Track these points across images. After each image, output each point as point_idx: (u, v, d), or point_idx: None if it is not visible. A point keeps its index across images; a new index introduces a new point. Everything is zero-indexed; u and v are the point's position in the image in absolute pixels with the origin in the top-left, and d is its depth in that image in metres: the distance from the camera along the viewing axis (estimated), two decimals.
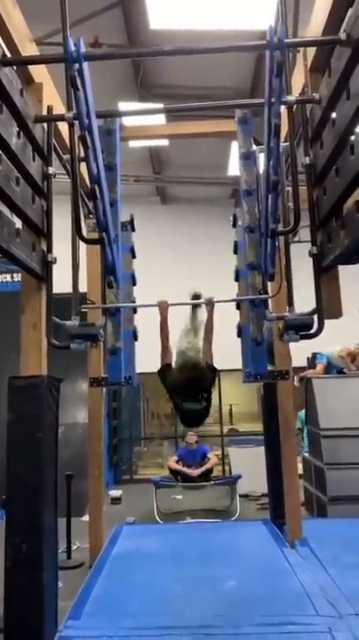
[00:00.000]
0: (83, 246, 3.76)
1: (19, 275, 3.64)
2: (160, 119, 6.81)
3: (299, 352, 7.01)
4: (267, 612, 3.57)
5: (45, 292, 3.45)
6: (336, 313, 3.33)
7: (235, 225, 4.60)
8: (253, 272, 4.15)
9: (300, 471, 6.82)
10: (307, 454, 7.54)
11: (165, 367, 3.95)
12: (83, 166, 3.31)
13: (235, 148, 6.55)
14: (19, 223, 3.16)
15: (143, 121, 6.20)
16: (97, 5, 5.61)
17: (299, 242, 4.67)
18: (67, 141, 3.44)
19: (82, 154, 3.09)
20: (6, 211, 2.88)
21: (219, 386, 11.54)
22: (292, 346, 4.35)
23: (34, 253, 3.27)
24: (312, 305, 3.36)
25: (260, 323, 4.13)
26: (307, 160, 3.29)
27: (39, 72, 3.60)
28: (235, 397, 13.82)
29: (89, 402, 5.45)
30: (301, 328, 3.45)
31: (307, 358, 9.52)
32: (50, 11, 3.49)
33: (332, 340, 7.38)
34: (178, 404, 3.80)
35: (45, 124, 3.51)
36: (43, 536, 3.16)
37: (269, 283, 4.08)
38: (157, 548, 5.23)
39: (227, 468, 10.10)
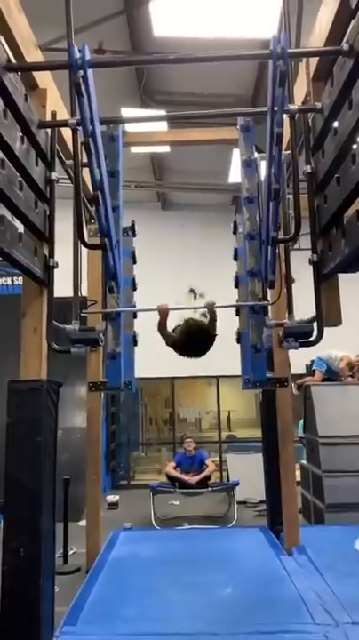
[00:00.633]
0: (84, 250, 3.78)
1: (20, 278, 3.65)
2: (162, 126, 6.85)
3: (298, 359, 7.05)
4: (264, 620, 3.56)
5: (46, 297, 3.46)
6: (335, 321, 3.34)
7: (235, 231, 4.61)
8: (253, 279, 4.16)
9: (298, 478, 6.82)
10: (304, 462, 7.54)
11: (170, 339, 3.98)
12: (85, 171, 3.34)
13: (236, 155, 6.58)
14: (21, 227, 3.18)
15: (145, 127, 6.23)
16: (102, 12, 5.65)
17: (299, 249, 4.70)
18: (71, 147, 3.46)
19: (84, 159, 3.11)
20: (9, 215, 2.90)
21: (218, 392, 11.57)
22: (291, 353, 4.36)
23: (36, 258, 3.28)
24: (311, 312, 3.38)
25: (260, 329, 4.14)
26: (309, 168, 3.31)
27: (43, 78, 3.62)
28: (233, 404, 13.83)
29: (87, 406, 5.45)
30: (301, 336, 3.46)
31: (306, 365, 9.53)
32: (55, 16, 3.53)
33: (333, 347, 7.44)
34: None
35: (49, 130, 3.53)
36: (41, 541, 3.15)
37: (269, 290, 4.09)
38: (154, 554, 5.22)
39: (224, 474, 10.09)
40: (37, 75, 3.52)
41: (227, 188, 10.00)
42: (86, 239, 3.68)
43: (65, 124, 3.38)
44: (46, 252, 3.49)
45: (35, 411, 3.23)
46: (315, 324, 3.41)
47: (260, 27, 5.44)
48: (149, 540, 5.88)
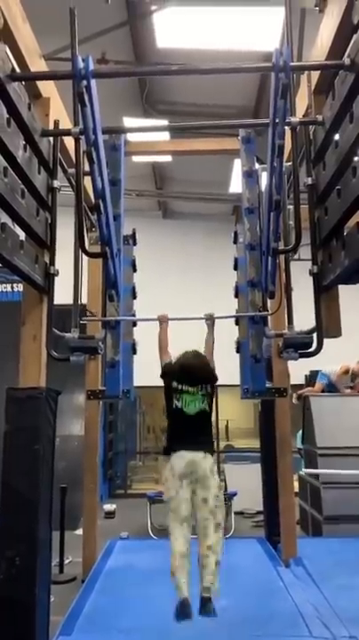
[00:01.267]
0: (84, 258, 3.79)
1: (20, 285, 3.65)
2: (164, 135, 6.89)
3: (298, 370, 7.05)
4: (260, 632, 3.53)
5: (46, 304, 3.46)
6: (335, 332, 3.35)
7: (236, 241, 4.63)
8: (253, 289, 4.18)
9: (296, 489, 6.79)
10: (303, 472, 7.51)
11: (167, 364, 3.62)
12: (87, 180, 3.36)
13: (237, 166, 6.61)
14: (22, 235, 3.19)
15: (147, 137, 6.27)
16: (105, 23, 5.70)
17: (299, 260, 4.71)
18: (73, 155, 3.48)
19: (86, 168, 3.13)
20: (10, 222, 2.91)
21: (217, 401, 11.53)
22: (290, 363, 4.37)
23: (36, 265, 3.29)
24: (309, 322, 3.38)
25: (260, 339, 4.15)
26: (310, 180, 3.33)
27: (47, 87, 3.65)
28: (231, 413, 13.79)
29: (85, 415, 5.44)
30: (300, 346, 3.46)
31: (306, 376, 9.54)
32: (59, 26, 3.55)
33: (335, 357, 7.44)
34: (177, 406, 3.38)
35: (51, 138, 3.55)
36: (37, 550, 3.13)
37: (269, 300, 4.10)
38: (150, 564, 5.18)
39: (222, 484, 10.04)
40: (41, 84, 3.55)
41: (228, 198, 10.03)
42: (87, 247, 3.69)
43: (68, 132, 3.40)
44: (47, 259, 3.50)
45: (34, 419, 3.23)
46: (314, 335, 3.42)
47: (263, 39, 5.49)
48: (146, 550, 5.84)
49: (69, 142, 3.62)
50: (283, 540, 5.12)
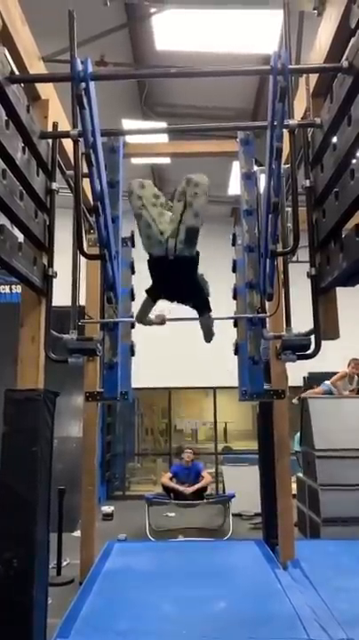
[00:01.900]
0: (82, 260, 3.79)
1: (18, 286, 3.65)
2: (163, 137, 6.89)
3: (296, 372, 7.05)
4: (258, 635, 3.54)
5: (45, 306, 3.46)
6: (333, 334, 3.35)
7: (234, 243, 4.64)
8: (251, 291, 4.19)
9: (294, 491, 6.79)
10: (301, 475, 7.51)
11: None
12: (85, 182, 3.36)
13: (235, 168, 6.62)
14: (21, 237, 3.19)
15: (146, 139, 6.27)
16: (104, 26, 5.71)
17: (298, 262, 4.72)
18: (72, 158, 3.48)
19: (85, 170, 3.13)
20: (9, 224, 2.91)
21: (215, 403, 11.55)
22: (289, 365, 4.37)
23: (35, 267, 3.29)
24: (306, 324, 3.38)
25: (258, 341, 4.16)
26: (308, 183, 3.33)
27: (46, 89, 3.65)
28: (230, 415, 13.78)
29: (84, 416, 5.43)
30: (299, 348, 3.47)
31: (304, 378, 9.56)
32: (58, 29, 3.56)
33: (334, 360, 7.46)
34: None
35: (50, 140, 3.56)
36: (35, 552, 3.13)
37: (267, 302, 4.11)
38: (148, 567, 5.19)
39: (220, 486, 10.04)
40: (40, 86, 3.55)
41: (226, 200, 10.04)
42: (85, 249, 3.69)
43: (66, 135, 3.41)
44: (45, 261, 3.50)
45: (32, 420, 3.23)
46: (312, 337, 3.42)
47: (261, 42, 5.50)
48: (144, 552, 5.85)
49: (68, 144, 3.62)
50: (280, 542, 5.12)
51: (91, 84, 2.78)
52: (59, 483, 5.72)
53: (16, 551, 3.08)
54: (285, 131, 3.16)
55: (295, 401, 7.81)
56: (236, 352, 4.48)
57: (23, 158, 3.00)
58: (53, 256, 3.51)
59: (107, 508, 8.45)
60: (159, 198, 3.38)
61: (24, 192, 3.04)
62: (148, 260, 3.38)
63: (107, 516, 8.29)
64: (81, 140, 3.11)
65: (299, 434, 8.09)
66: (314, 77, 3.43)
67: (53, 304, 3.49)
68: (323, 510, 6.25)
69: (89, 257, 3.65)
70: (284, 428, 5.15)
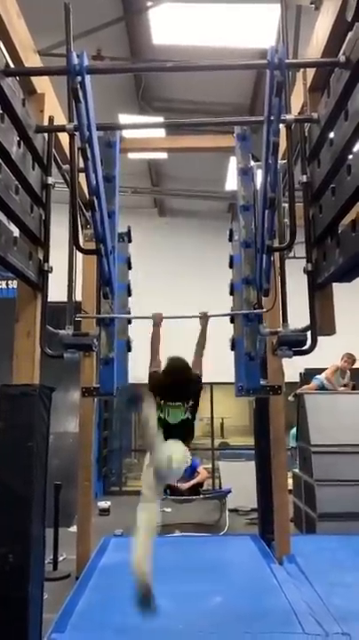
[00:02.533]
0: (79, 255, 3.78)
1: (15, 281, 3.64)
2: (160, 132, 6.87)
3: (293, 368, 7.06)
4: (254, 629, 3.54)
5: (40, 301, 3.45)
6: (329, 330, 3.35)
7: (231, 239, 4.63)
8: (248, 286, 4.18)
9: (290, 487, 6.81)
10: (297, 470, 7.53)
11: (153, 373, 3.72)
12: (82, 176, 3.35)
13: (233, 163, 6.60)
14: (16, 232, 3.17)
15: (143, 134, 6.25)
16: (101, 19, 5.67)
17: (294, 257, 4.71)
18: (67, 152, 3.46)
19: (81, 164, 3.12)
20: (4, 219, 2.90)
21: (212, 399, 11.56)
22: (285, 361, 4.37)
23: (30, 262, 3.28)
24: (302, 320, 3.38)
25: (254, 337, 4.15)
26: (305, 178, 3.33)
27: (41, 83, 3.63)
28: (226, 411, 13.80)
29: (80, 412, 5.43)
30: (295, 344, 3.46)
31: (300, 374, 9.57)
32: (54, 22, 3.53)
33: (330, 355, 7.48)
34: (161, 417, 3.47)
35: (46, 135, 3.54)
36: (31, 547, 3.13)
37: (264, 297, 4.10)
38: None
39: (217, 481, 10.06)
40: (35, 80, 3.53)
41: (224, 196, 10.02)
42: (81, 244, 3.68)
43: (62, 129, 3.39)
44: (41, 256, 3.49)
45: (28, 416, 3.22)
46: (309, 333, 3.42)
47: (259, 37, 5.47)
48: None
49: (64, 139, 3.60)
50: (276, 537, 5.14)
51: (87, 78, 2.76)
52: (55, 478, 5.73)
53: (11, 547, 3.08)
54: (282, 126, 3.15)
55: (291, 398, 7.83)
56: (233, 348, 4.48)
57: (19, 152, 2.99)
58: (49, 251, 3.50)
59: (103, 504, 8.46)
60: None
61: (19, 186, 3.02)
62: None
63: (104, 512, 8.31)
64: (77, 134, 3.09)
65: (294, 429, 8.12)
66: (311, 72, 3.42)
67: (49, 299, 3.48)
68: (319, 506, 6.27)
69: (85, 252, 3.63)
70: (281, 424, 5.16)
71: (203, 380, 3.74)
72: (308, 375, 8.92)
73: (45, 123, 3.54)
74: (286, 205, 3.51)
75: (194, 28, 5.57)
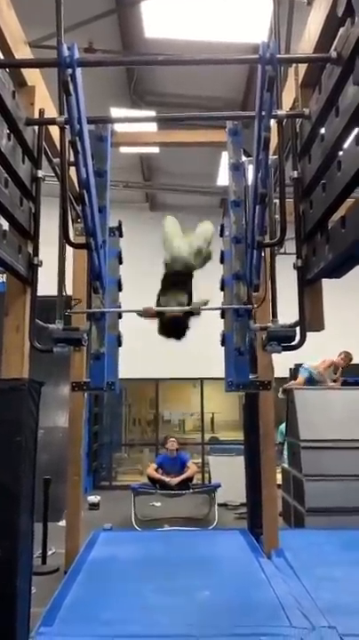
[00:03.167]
0: (69, 249, 3.75)
1: (4, 276, 3.62)
2: (151, 126, 6.84)
3: (282, 363, 7.08)
4: (241, 623, 3.57)
5: (30, 295, 3.43)
6: (318, 326, 3.36)
7: (222, 234, 4.63)
8: (238, 282, 4.18)
9: (279, 482, 6.85)
10: (286, 465, 7.58)
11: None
12: (72, 170, 3.32)
13: (225, 158, 6.60)
14: (5, 225, 3.15)
15: (134, 127, 6.22)
16: (93, 12, 5.63)
17: (285, 254, 4.71)
18: (58, 145, 3.44)
19: (72, 158, 3.10)
20: None
21: (202, 394, 11.59)
22: (275, 356, 4.38)
23: (20, 256, 3.25)
24: (292, 316, 3.39)
25: (244, 332, 4.16)
26: (295, 174, 3.32)
27: (32, 75, 3.59)
28: (216, 406, 13.85)
29: (70, 406, 5.42)
30: (284, 340, 3.47)
31: (290, 369, 9.60)
32: (45, 14, 3.50)
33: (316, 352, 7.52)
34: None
35: (36, 127, 3.51)
36: (19, 541, 3.12)
37: (254, 293, 4.11)
38: (134, 556, 5.21)
39: (206, 476, 10.10)
40: (26, 72, 3.50)
41: (215, 191, 10.02)
42: (72, 238, 3.66)
43: (52, 121, 3.36)
44: (31, 250, 3.46)
45: (16, 410, 3.20)
46: (298, 329, 3.43)
47: (252, 31, 5.47)
48: (129, 542, 5.87)
49: (55, 132, 3.58)
50: (265, 531, 5.17)
51: (78, 71, 2.74)
52: (45, 473, 5.73)
53: None
54: (273, 121, 3.14)
55: (281, 395, 7.86)
56: (223, 343, 4.49)
57: (8, 145, 2.96)
58: (38, 245, 3.47)
59: (93, 498, 8.47)
60: None
61: (9, 179, 3.00)
62: None
63: (94, 506, 8.32)
64: (67, 127, 3.07)
65: (283, 425, 8.16)
66: (303, 68, 3.41)
67: (39, 294, 3.46)
68: (308, 500, 6.32)
69: (75, 246, 3.61)
70: (270, 420, 5.19)
71: None
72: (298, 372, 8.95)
73: (36, 115, 3.51)
74: (277, 201, 3.51)
75: (186, 21, 5.56)
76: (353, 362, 8.38)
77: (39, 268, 3.48)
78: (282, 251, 4.75)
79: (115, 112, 7.00)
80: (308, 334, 3.32)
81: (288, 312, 3.55)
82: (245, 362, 4.24)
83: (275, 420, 5.41)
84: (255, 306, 4.09)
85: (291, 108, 3.46)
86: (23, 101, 3.37)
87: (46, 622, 3.58)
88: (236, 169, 4.36)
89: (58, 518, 6.47)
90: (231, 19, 5.50)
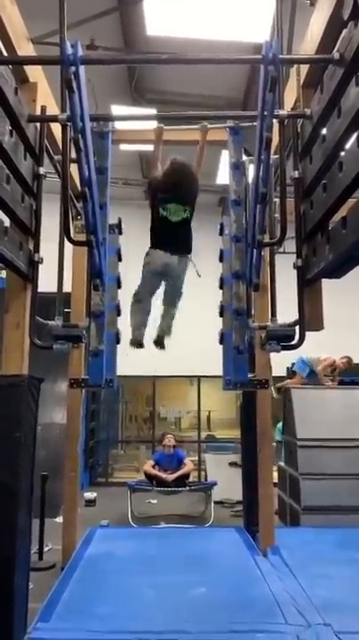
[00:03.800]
0: (69, 246, 3.76)
1: (4, 272, 3.62)
2: (152, 124, 6.82)
3: (280, 362, 7.10)
4: (237, 620, 3.58)
5: (30, 292, 3.44)
6: (317, 325, 3.38)
7: (221, 233, 4.63)
8: (238, 281, 4.19)
9: (275, 480, 6.88)
10: (282, 464, 7.60)
11: (153, 178, 4.22)
12: (73, 167, 3.33)
13: (224, 157, 6.60)
14: (7, 221, 3.16)
15: (135, 125, 6.21)
16: (95, 9, 5.63)
17: (284, 253, 4.72)
18: (60, 142, 3.45)
19: (73, 155, 3.10)
20: None
21: (199, 392, 11.61)
22: (273, 355, 4.40)
23: (21, 252, 3.26)
24: (291, 315, 3.41)
25: (243, 331, 4.17)
26: (296, 174, 3.33)
27: (34, 71, 3.60)
28: (213, 404, 13.87)
29: (68, 403, 5.43)
30: (283, 339, 3.49)
31: (287, 368, 9.62)
32: (49, 10, 3.50)
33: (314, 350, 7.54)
34: (163, 215, 3.95)
35: (38, 124, 3.51)
36: (16, 537, 3.13)
37: (254, 292, 4.12)
38: (130, 553, 5.22)
39: (203, 474, 10.12)
40: (28, 69, 3.50)
41: (215, 190, 10.01)
42: (72, 235, 3.67)
43: (55, 119, 3.37)
44: (31, 247, 3.47)
45: (16, 406, 3.21)
46: (297, 328, 3.44)
47: (253, 31, 5.47)
48: (126, 538, 5.88)
49: (56, 129, 3.58)
50: (261, 529, 5.19)
51: (81, 68, 2.75)
52: (42, 469, 5.73)
53: None
54: (275, 121, 3.15)
55: (275, 395, 7.88)
56: (221, 341, 4.50)
57: (10, 141, 2.96)
58: (39, 242, 3.48)
59: (89, 495, 8.49)
60: None
61: (11, 176, 3.00)
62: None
63: (90, 502, 8.34)
64: (69, 124, 3.08)
65: (280, 423, 8.18)
66: (304, 68, 3.42)
67: (40, 290, 3.47)
68: (304, 499, 6.34)
69: (75, 243, 3.62)
70: (267, 418, 5.20)
71: None
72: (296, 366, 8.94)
73: (38, 112, 3.51)
74: (277, 200, 3.52)
75: (188, 20, 5.55)
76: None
77: (39, 265, 3.49)
78: (281, 250, 4.77)
79: (116, 109, 7.00)
80: (307, 333, 3.34)
81: (287, 311, 3.56)
82: (244, 360, 4.25)
83: (272, 419, 5.43)
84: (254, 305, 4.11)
85: (292, 108, 3.48)
86: (25, 98, 3.38)
87: (43, 618, 3.59)
88: (237, 168, 4.36)
89: (55, 514, 6.48)
90: (232, 17, 5.49)
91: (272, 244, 3.59)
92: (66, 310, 3.90)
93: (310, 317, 3.32)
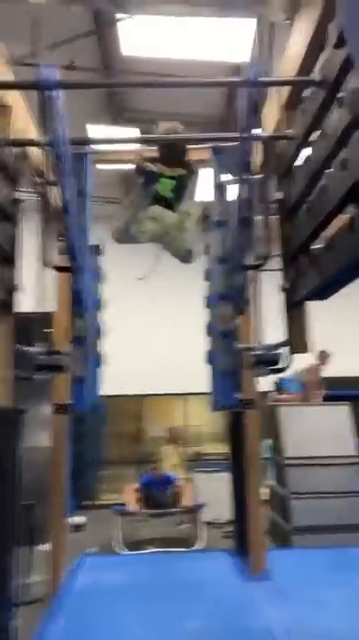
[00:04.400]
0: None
1: None
2: (132, 145, 6.79)
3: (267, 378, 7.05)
4: None
5: (8, 323, 3.31)
6: (302, 348, 3.31)
7: (206, 253, 4.58)
8: (223, 302, 4.13)
9: (266, 497, 6.79)
10: (272, 482, 7.52)
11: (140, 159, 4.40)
12: (53, 189, 3.26)
13: (204, 175, 6.59)
14: None
15: (114, 145, 6.17)
16: (74, 31, 5.60)
17: (271, 270, 4.68)
18: (38, 166, 3.37)
19: (52, 178, 3.04)
20: None
21: (185, 411, 11.52)
22: None
23: None
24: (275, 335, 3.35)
25: (229, 353, 4.10)
26: (279, 195, 3.29)
27: (11, 95, 3.52)
28: (201, 418, 13.77)
29: (53, 429, 5.30)
30: (269, 363, 3.43)
31: (275, 383, 9.59)
32: (28, 32, 3.46)
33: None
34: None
35: (15, 148, 3.43)
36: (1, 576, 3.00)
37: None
38: (119, 582, 5.09)
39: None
40: (4, 92, 3.42)
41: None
42: (53, 260, 3.57)
43: (33, 143, 3.30)
44: (10, 274, 3.36)
45: None
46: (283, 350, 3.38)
47: (230, 51, 5.48)
48: (114, 567, 5.74)
49: (35, 152, 3.51)
50: (252, 554, 5.08)
51: (59, 92, 2.69)
52: (26, 494, 5.55)
53: None
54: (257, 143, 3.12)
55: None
56: (208, 362, 4.42)
57: None
58: (18, 269, 3.37)
59: (77, 519, 8.32)
60: None
61: None
62: None
63: (78, 527, 8.16)
64: (48, 148, 3.01)
65: (269, 441, 8.11)
66: (286, 89, 3.40)
67: (20, 310, 3.35)
68: (294, 519, 6.26)
69: (56, 269, 3.53)
70: (256, 438, 5.11)
71: None
72: (283, 385, 8.90)
73: (15, 136, 3.43)
74: (260, 222, 3.47)
75: (164, 41, 5.56)
76: (339, 374, 8.39)
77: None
78: (268, 269, 4.73)
79: (95, 129, 6.97)
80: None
81: (277, 328, 3.50)
82: (231, 382, 4.18)
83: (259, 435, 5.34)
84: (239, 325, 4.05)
85: (274, 130, 3.44)
86: (2, 121, 3.30)
87: None
88: (220, 188, 4.33)
89: (41, 541, 6.30)
90: (208, 38, 5.50)
91: (254, 268, 3.54)
92: (45, 330, 3.80)
93: (296, 340, 3.26)
